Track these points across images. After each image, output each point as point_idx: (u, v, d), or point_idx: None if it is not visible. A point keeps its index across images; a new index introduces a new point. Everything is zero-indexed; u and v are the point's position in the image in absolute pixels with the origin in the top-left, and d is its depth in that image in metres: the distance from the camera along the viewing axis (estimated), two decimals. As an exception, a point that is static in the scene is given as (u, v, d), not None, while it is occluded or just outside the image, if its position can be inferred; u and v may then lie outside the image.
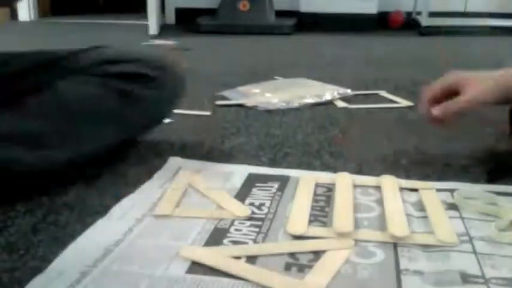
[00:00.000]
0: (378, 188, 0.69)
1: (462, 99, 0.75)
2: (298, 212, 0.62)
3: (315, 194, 0.67)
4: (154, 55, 0.88)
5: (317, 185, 0.70)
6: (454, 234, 0.56)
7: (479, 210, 0.62)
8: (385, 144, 0.90)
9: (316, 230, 0.58)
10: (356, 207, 0.63)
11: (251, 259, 0.51)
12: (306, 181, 0.71)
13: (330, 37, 2.77)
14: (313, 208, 0.63)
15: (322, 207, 0.64)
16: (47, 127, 0.69)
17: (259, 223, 0.59)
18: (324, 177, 0.73)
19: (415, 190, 0.68)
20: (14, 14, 3.27)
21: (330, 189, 0.69)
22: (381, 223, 0.59)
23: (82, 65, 0.79)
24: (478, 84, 0.75)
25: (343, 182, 0.70)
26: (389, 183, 0.70)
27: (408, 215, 0.61)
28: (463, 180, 0.72)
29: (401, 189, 0.68)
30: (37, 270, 0.49)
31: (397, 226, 0.58)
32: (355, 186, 0.69)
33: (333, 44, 2.52)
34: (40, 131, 0.68)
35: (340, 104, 1.20)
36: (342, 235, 0.56)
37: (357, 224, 0.59)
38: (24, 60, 0.79)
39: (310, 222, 0.60)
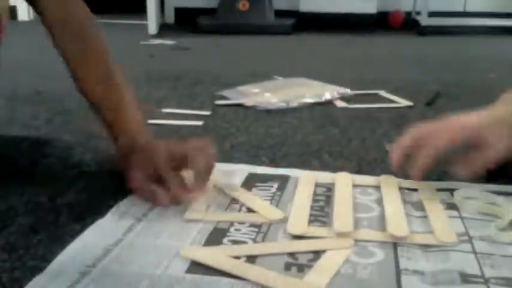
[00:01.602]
0: (377, 187, 0.69)
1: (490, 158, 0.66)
2: (298, 211, 0.62)
3: (315, 194, 0.67)
4: None
5: (317, 185, 0.70)
6: (453, 234, 0.56)
7: (478, 210, 0.62)
8: (385, 144, 0.90)
9: (316, 230, 0.58)
10: (356, 207, 0.63)
11: (251, 259, 0.51)
12: (306, 181, 0.71)
13: (330, 37, 2.77)
14: (312, 208, 0.63)
15: (321, 207, 0.64)
16: None
17: (259, 223, 0.59)
18: (324, 176, 0.73)
19: (415, 190, 0.68)
20: (13, 14, 3.27)
21: (329, 189, 0.69)
22: (381, 223, 0.59)
23: None
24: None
25: (343, 181, 0.70)
26: (389, 183, 0.70)
27: (408, 215, 0.61)
28: (463, 180, 0.72)
29: (401, 188, 0.68)
30: (37, 270, 0.49)
31: (397, 226, 0.58)
32: (354, 186, 0.69)
33: (333, 43, 2.52)
34: None
35: (340, 103, 1.20)
36: (341, 235, 0.56)
37: (357, 224, 0.59)
38: None
39: (310, 222, 0.59)
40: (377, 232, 0.57)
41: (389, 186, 0.68)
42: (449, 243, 0.54)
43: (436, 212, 0.61)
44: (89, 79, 0.74)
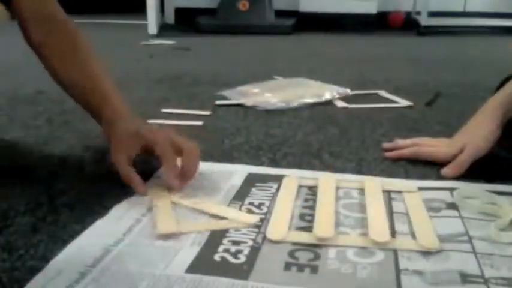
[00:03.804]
0: (361, 190, 0.68)
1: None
2: (278, 216, 0.60)
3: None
4: None
5: (300, 187, 0.69)
6: (436, 239, 0.55)
7: (479, 209, 0.62)
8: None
9: (297, 235, 0.57)
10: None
11: (251, 259, 0.51)
12: (288, 184, 0.69)
13: (330, 37, 2.77)
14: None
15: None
16: None
17: (259, 223, 0.59)
18: (307, 178, 0.72)
19: (399, 192, 0.67)
20: (13, 15, 3.27)
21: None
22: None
23: None
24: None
25: (326, 184, 0.69)
26: (373, 185, 0.69)
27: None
28: (463, 180, 0.72)
29: (385, 191, 0.67)
30: (36, 270, 0.49)
31: (378, 231, 0.57)
32: (338, 187, 0.69)
33: (333, 43, 2.52)
34: None
35: (340, 103, 1.20)
36: (322, 240, 0.55)
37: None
38: None
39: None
40: (358, 237, 0.56)
41: (373, 189, 0.67)
42: (431, 249, 0.53)
43: (419, 215, 0.61)
44: (68, 68, 0.79)
